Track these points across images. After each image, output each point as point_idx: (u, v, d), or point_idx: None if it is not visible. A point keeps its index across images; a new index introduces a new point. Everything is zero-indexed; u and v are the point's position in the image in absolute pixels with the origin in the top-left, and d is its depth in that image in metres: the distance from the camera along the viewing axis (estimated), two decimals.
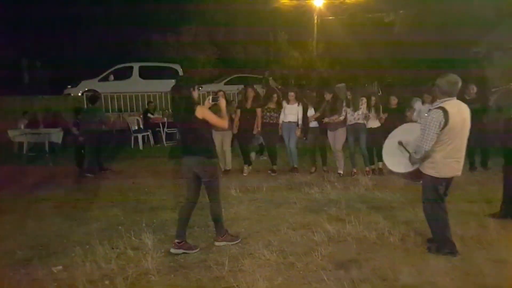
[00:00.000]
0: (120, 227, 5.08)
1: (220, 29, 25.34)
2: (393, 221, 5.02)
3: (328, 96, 7.68)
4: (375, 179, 7.38)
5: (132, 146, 12.36)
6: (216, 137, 8.24)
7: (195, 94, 4.30)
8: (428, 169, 4.01)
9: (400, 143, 4.27)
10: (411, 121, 7.60)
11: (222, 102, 4.48)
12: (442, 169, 3.96)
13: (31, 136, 11.28)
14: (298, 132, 8.13)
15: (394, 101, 7.81)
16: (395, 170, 4.44)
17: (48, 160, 10.35)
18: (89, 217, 5.55)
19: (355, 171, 7.87)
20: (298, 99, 8.15)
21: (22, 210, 6.05)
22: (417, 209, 5.30)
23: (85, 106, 11.98)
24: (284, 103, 8.25)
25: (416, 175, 4.24)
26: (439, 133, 3.84)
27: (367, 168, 7.91)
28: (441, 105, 3.91)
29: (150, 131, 12.80)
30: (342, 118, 7.66)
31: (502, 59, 13.08)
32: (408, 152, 4.10)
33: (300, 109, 8.10)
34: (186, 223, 4.39)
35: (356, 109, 7.65)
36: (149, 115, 12.86)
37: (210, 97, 4.45)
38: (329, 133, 7.86)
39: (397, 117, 7.49)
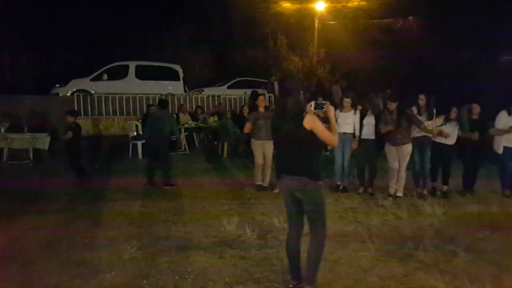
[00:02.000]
0: (144, 281, 3.63)
1: (218, 31, 24.14)
2: None
3: (393, 106, 6.36)
4: (440, 205, 6.06)
5: (130, 155, 10.82)
6: (257, 147, 6.96)
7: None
8: None
9: None
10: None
11: (331, 110, 3.29)
12: None
13: (12, 141, 9.67)
14: (355, 145, 6.82)
15: (476, 109, 6.55)
16: None
17: (33, 171, 8.74)
18: (97, 262, 4.05)
19: (420, 191, 6.73)
20: (354, 106, 6.85)
21: None
22: None
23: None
24: (337, 112, 6.92)
25: None
26: None
27: (425, 190, 6.68)
28: None
29: None
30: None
31: None
32: None
33: (357, 118, 6.80)
34: (298, 261, 3.45)
35: (430, 118, 6.48)
36: None
37: (312, 103, 3.24)
38: (390, 149, 6.49)
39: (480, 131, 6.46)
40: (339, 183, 7.08)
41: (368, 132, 6.72)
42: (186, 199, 6.52)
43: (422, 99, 6.57)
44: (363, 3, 23.35)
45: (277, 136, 3.40)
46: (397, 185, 6.50)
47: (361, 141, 6.78)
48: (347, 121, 6.80)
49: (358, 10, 23.29)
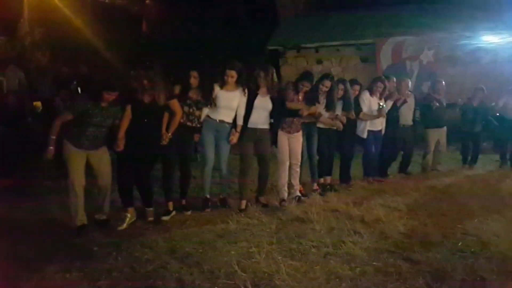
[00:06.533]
0: None
1: None
2: None
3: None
4: (345, 200, 5.20)
5: None
6: (76, 158, 4.23)
7: None
8: None
9: None
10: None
11: None
12: None
13: None
14: (235, 139, 4.95)
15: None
16: None
17: None
18: None
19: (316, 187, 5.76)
20: (242, 83, 4.93)
21: None
22: None
23: None
24: (217, 88, 4.86)
25: None
26: None
27: (316, 185, 5.79)
28: None
29: None
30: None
31: (297, 59, 12.89)
32: None
33: (243, 100, 4.92)
34: None
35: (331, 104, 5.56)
36: None
37: None
38: (282, 139, 5.15)
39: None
40: (208, 196, 5.12)
41: (261, 119, 5.02)
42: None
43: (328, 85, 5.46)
44: None
45: None
46: (294, 181, 5.31)
47: (249, 132, 4.97)
48: (232, 104, 4.90)
49: None
